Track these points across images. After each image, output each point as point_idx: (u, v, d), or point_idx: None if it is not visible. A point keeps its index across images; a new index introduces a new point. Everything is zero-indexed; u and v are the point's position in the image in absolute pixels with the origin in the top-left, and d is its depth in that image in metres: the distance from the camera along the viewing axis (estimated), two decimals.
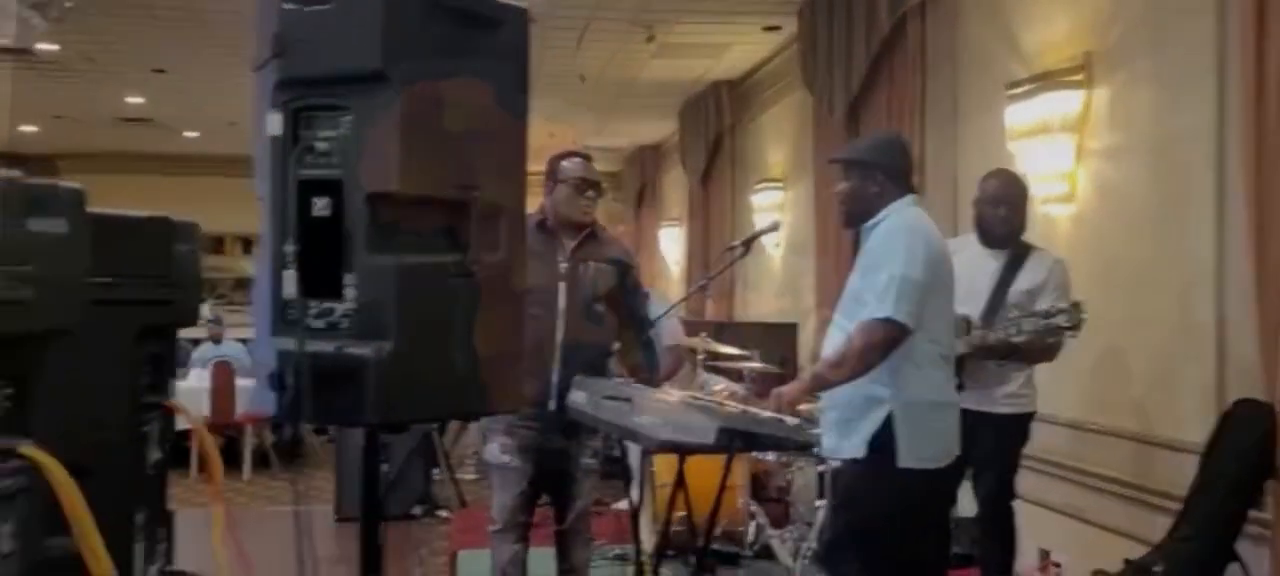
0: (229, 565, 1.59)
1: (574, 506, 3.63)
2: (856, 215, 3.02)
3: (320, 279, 1.81)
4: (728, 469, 2.81)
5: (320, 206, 1.82)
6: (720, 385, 5.53)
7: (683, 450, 2.66)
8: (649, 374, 3.74)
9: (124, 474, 1.63)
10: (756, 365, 5.69)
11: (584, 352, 3.55)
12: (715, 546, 4.78)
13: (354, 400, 1.77)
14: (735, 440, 2.48)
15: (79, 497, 1.13)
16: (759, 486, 5.37)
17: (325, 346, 1.78)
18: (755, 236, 3.86)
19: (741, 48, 8.13)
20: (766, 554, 5.05)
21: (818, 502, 5.18)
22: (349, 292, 1.80)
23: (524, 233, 2.05)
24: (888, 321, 2.76)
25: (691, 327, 7.00)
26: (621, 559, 5.19)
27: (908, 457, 2.82)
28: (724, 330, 6.89)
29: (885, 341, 2.77)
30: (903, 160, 3.06)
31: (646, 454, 4.60)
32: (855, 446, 2.84)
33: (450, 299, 1.86)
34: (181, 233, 1.68)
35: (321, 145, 1.83)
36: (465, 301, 1.88)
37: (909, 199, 3.01)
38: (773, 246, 8.12)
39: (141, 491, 1.67)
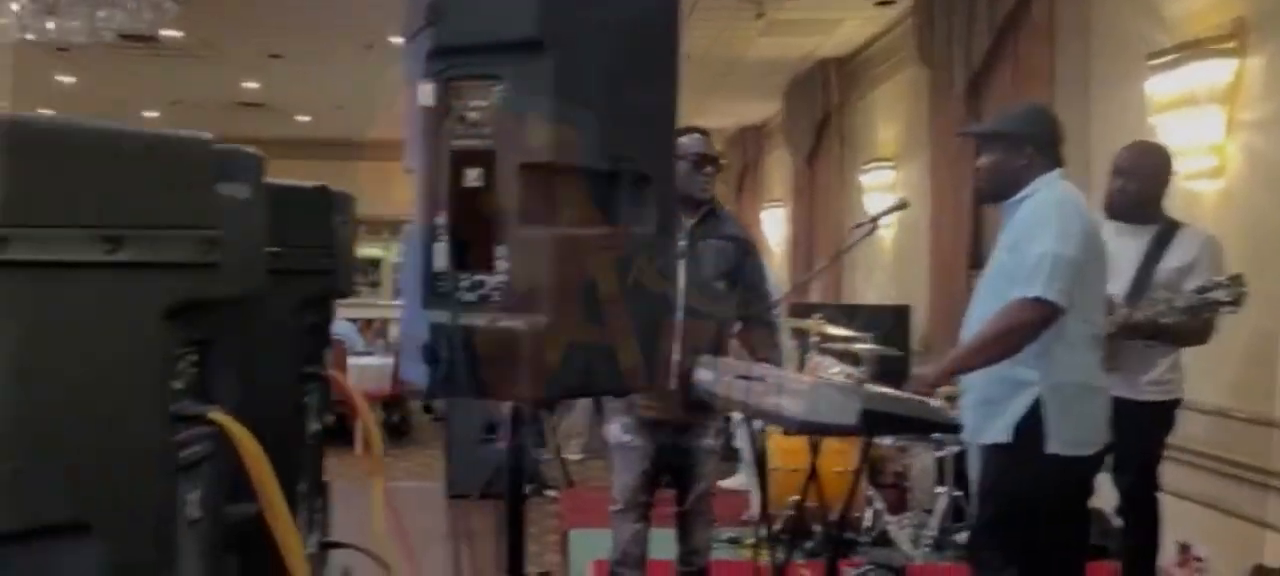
0: (387, 538, 1.58)
1: (695, 487, 3.58)
2: (1000, 190, 2.89)
3: (472, 251, 1.79)
4: (866, 452, 2.72)
5: (472, 177, 1.79)
6: (835, 368, 5.41)
7: (823, 431, 2.58)
8: (771, 353, 3.67)
9: (287, 444, 1.62)
10: (872, 347, 5.55)
11: (704, 332, 3.48)
12: (831, 533, 4.68)
13: (507, 374, 1.74)
14: (878, 422, 2.39)
15: (267, 465, 1.12)
16: (875, 471, 5.25)
17: (477, 319, 1.76)
18: (884, 213, 3.73)
19: (852, 23, 7.96)
20: (884, 540, 4.94)
21: (938, 489, 5.04)
22: (501, 265, 1.77)
23: (673, 205, 2.00)
24: (1039, 301, 2.63)
25: (800, 310, 6.88)
26: (733, 542, 5.14)
27: (1056, 443, 2.69)
28: (834, 312, 6.75)
29: (1036, 322, 2.64)
30: (1052, 132, 2.91)
31: (760, 435, 4.54)
32: (1000, 431, 2.72)
33: (602, 272, 1.82)
34: (340, 204, 1.66)
35: (473, 115, 1.80)
36: (617, 274, 1.84)
37: (1058, 172, 2.86)
38: (882, 226, 7.92)
39: (302, 461, 1.68)
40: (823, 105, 9.22)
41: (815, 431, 2.55)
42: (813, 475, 2.73)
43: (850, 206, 8.84)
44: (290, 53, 8.95)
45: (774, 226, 11.92)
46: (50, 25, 4.81)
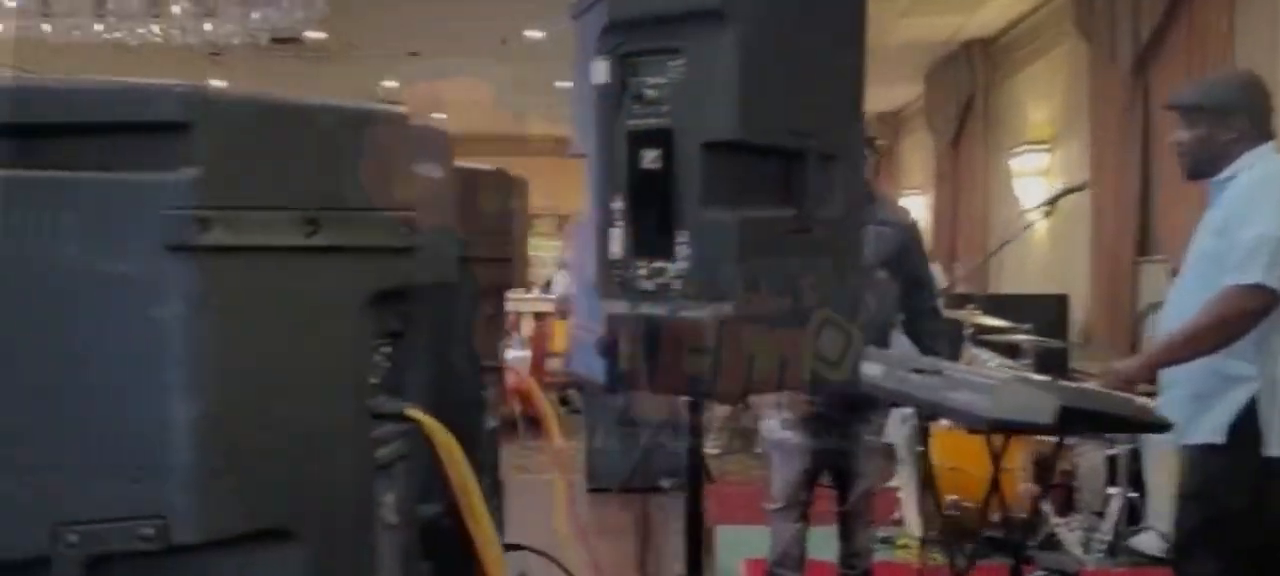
0: (569, 538, 1.49)
1: (857, 486, 3.42)
2: (1206, 167, 2.63)
3: (651, 237, 1.69)
4: (1056, 452, 2.50)
5: (650, 158, 1.69)
6: (994, 361, 5.14)
7: (1014, 430, 2.39)
8: (938, 344, 3.48)
9: (468, 441, 1.53)
10: (1031, 338, 5.26)
11: (866, 323, 3.31)
12: (993, 534, 4.44)
13: (691, 367, 1.63)
14: (1077, 420, 2.19)
15: (468, 466, 1.03)
16: (1040, 471, 4.95)
17: (658, 309, 1.66)
18: (1063, 194, 3.50)
19: (1000, 1, 7.59)
20: (1051, 544, 4.65)
21: (1110, 489, 4.73)
22: (682, 251, 1.66)
23: (861, 185, 1.86)
24: (1258, 288, 2.38)
25: (952, 300, 6.58)
26: (885, 541, 4.94)
27: (1275, 445, 2.43)
28: (986, 302, 6.43)
29: (1254, 311, 2.39)
30: (1264, 102, 2.64)
31: (922, 431, 4.34)
32: (1212, 430, 2.47)
33: (789, 258, 1.69)
34: (518, 188, 1.57)
35: (650, 92, 1.69)
36: (803, 261, 1.71)
37: (1270, 146, 2.59)
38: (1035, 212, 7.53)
39: (482, 459, 1.59)
40: (967, 87, 8.85)
41: (1005, 430, 2.36)
42: (996, 485, 2.53)
43: (998, 191, 8.45)
44: (427, 51, 9.10)
45: (914, 213, 11.55)
46: (207, 27, 4.97)
